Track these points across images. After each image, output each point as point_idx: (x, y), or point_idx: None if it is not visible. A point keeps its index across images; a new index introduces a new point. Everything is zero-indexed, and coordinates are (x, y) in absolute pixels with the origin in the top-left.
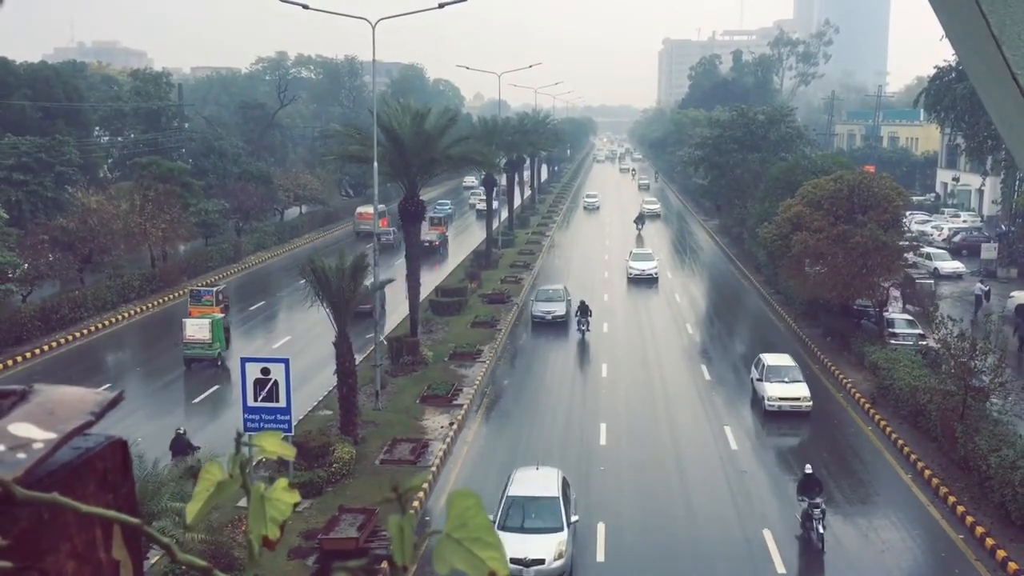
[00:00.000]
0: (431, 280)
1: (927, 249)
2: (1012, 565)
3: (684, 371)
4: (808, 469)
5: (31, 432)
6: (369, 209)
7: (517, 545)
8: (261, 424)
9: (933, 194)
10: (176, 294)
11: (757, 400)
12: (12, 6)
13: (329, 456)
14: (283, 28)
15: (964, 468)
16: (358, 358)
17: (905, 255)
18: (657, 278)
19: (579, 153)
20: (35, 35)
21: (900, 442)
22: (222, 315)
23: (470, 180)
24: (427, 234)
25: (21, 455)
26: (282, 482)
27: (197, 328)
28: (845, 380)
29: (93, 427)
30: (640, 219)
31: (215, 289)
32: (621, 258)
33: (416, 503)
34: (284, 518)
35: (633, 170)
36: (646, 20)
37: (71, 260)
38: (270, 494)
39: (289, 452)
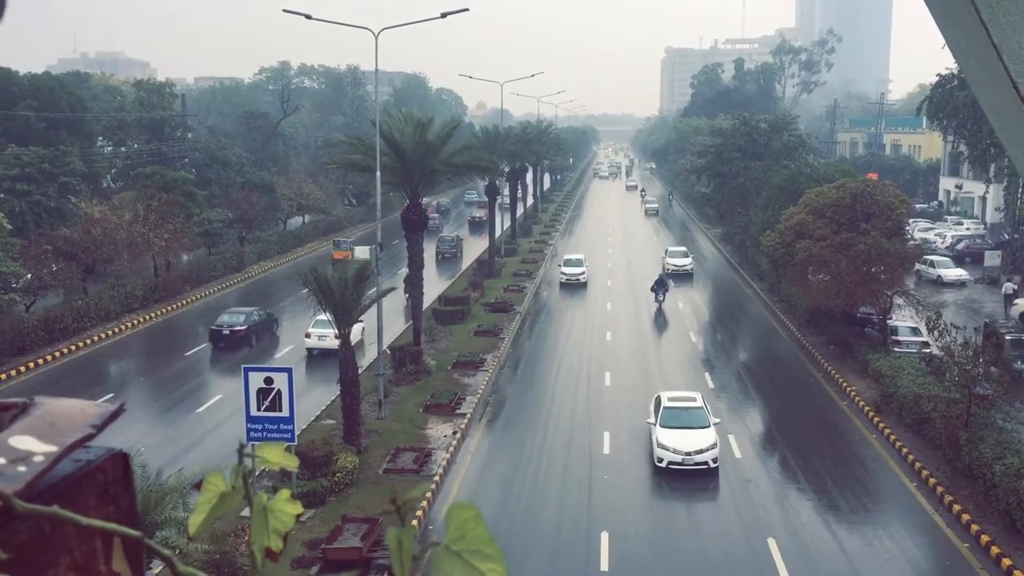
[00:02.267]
0: (482, 243)
1: (930, 257)
2: (1017, 573)
3: (687, 379)
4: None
5: (32, 445)
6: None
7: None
8: (264, 434)
9: (936, 202)
10: (180, 303)
11: None
12: (16, 17)
13: (332, 465)
14: (286, 38)
15: (969, 476)
16: (361, 367)
17: (907, 263)
18: (716, 468)
19: (581, 161)
20: (39, 46)
21: (904, 450)
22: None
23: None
24: (476, 212)
25: (22, 468)
26: (285, 493)
27: (363, 252)
28: (849, 388)
29: (94, 440)
30: (660, 285)
31: (349, 241)
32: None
33: (419, 513)
34: (287, 529)
35: (643, 190)
36: (648, 29)
37: (74, 270)
38: (273, 505)
39: (292, 463)
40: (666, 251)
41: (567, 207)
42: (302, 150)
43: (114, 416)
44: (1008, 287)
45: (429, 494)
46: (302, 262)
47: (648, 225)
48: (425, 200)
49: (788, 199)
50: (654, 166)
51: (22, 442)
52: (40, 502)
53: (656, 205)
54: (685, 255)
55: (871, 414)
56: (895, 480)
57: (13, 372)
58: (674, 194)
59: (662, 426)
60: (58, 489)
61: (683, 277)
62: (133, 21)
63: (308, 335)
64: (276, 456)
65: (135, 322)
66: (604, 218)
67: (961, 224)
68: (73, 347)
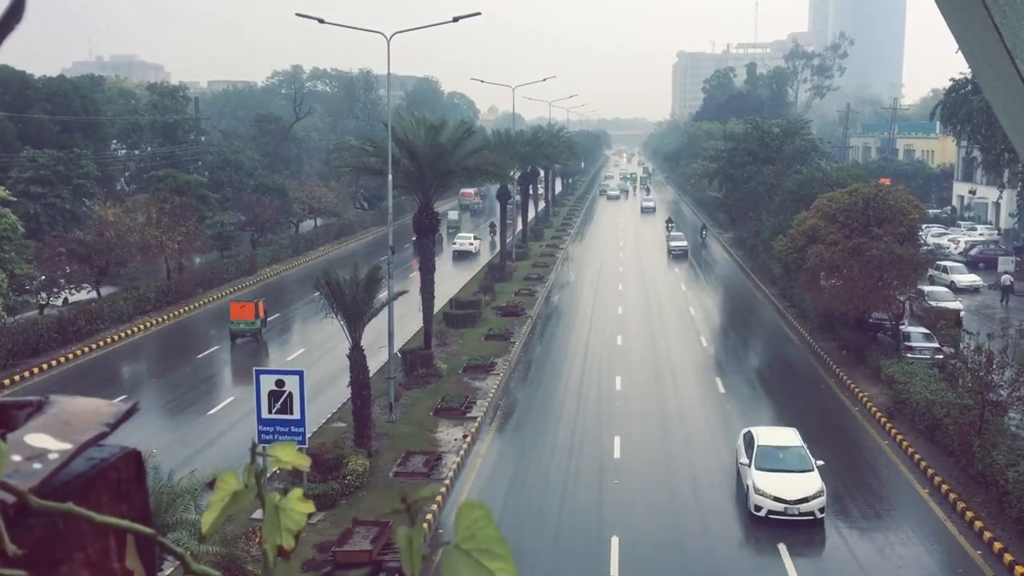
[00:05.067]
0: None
1: (944, 262)
2: None
3: (698, 384)
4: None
5: (47, 443)
6: (470, 189)
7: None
8: (275, 436)
9: (948, 207)
10: (192, 306)
11: None
12: (32, 21)
13: (343, 468)
14: (299, 42)
15: (982, 483)
16: (372, 370)
17: (920, 269)
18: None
19: (592, 166)
20: (54, 49)
21: (917, 456)
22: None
23: None
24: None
25: (37, 465)
26: (297, 492)
27: (453, 214)
28: (861, 394)
29: (108, 438)
30: None
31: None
32: None
33: (429, 516)
34: (298, 528)
35: (669, 220)
36: (660, 33)
37: (88, 272)
38: (285, 504)
39: (303, 462)
40: (745, 439)
41: (563, 239)
42: (314, 153)
43: (128, 415)
44: (1006, 278)
45: (440, 497)
46: (314, 265)
47: (673, 274)
48: (471, 189)
49: (800, 204)
50: (663, 179)
51: (37, 440)
52: (55, 499)
53: (685, 244)
54: (801, 455)
55: (883, 420)
56: (907, 486)
57: (27, 373)
58: (707, 228)
59: (757, 468)
60: (72, 486)
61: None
62: (147, 25)
63: (455, 241)
64: (288, 455)
65: (148, 324)
66: (608, 272)
67: (975, 229)
68: (87, 349)
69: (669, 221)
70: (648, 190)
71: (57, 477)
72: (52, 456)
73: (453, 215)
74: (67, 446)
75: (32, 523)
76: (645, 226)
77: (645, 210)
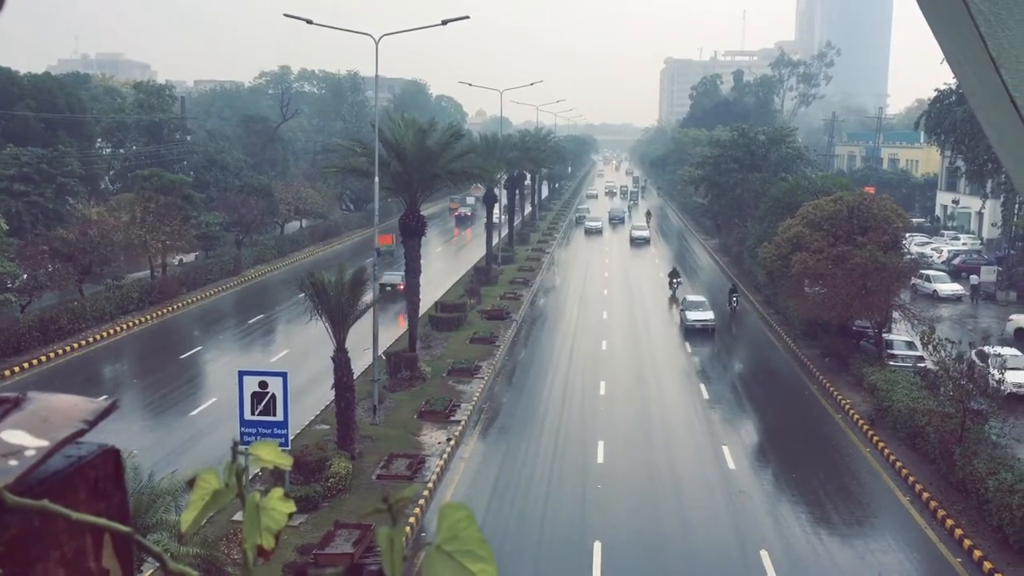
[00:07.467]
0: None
1: (927, 271)
2: None
3: (682, 390)
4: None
5: (23, 439)
6: (479, 186)
7: None
8: (258, 438)
9: (929, 216)
10: (176, 306)
11: None
12: (18, 17)
13: (326, 471)
14: (287, 43)
15: (962, 491)
16: (356, 372)
17: (904, 277)
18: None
19: (579, 170)
20: (39, 46)
21: (898, 464)
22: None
23: None
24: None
25: (13, 462)
26: (277, 492)
27: (471, 200)
28: (843, 401)
29: (86, 435)
30: None
31: (459, 197)
32: None
33: (412, 519)
34: (279, 528)
35: (674, 274)
36: (649, 40)
37: (70, 271)
38: (265, 503)
39: (285, 461)
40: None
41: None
42: (301, 155)
43: (106, 412)
44: (973, 278)
45: (422, 501)
46: (299, 266)
47: (657, 279)
48: (480, 185)
49: (785, 211)
50: (652, 186)
51: (14, 436)
52: (31, 497)
53: (711, 318)
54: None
55: (865, 427)
56: (888, 494)
57: (8, 372)
58: (739, 291)
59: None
60: (49, 484)
61: None
62: (134, 23)
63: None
64: (269, 454)
65: (130, 324)
66: (593, 276)
67: (958, 239)
68: (68, 348)
69: (674, 275)
70: (648, 214)
71: (33, 474)
72: (28, 453)
73: (471, 200)
74: (44, 443)
75: (7, 520)
76: (639, 270)
77: (637, 241)
